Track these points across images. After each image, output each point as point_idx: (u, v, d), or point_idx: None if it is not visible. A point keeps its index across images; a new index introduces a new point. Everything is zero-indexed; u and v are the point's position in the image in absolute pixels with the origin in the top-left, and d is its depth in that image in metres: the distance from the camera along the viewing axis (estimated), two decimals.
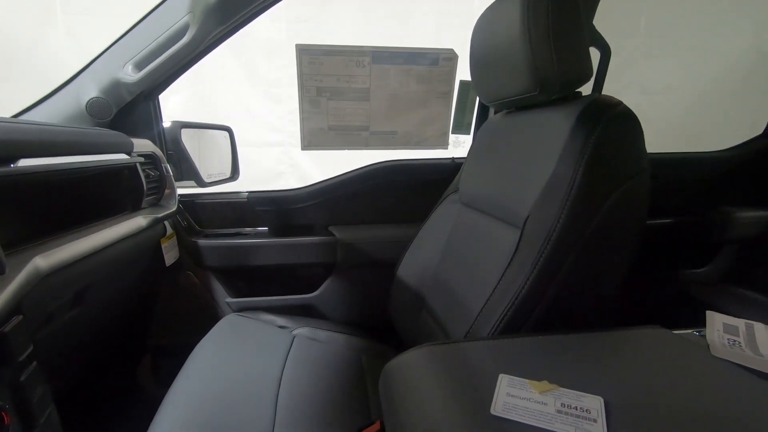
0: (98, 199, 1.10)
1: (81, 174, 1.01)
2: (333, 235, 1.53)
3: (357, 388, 1.10)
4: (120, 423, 1.30)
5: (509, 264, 0.85)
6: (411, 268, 1.32)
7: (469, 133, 1.61)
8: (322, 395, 1.02)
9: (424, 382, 0.59)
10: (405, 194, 1.58)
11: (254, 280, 1.55)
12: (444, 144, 1.61)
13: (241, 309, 1.45)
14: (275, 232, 1.54)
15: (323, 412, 0.96)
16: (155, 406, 0.92)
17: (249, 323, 1.31)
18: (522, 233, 0.86)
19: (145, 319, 1.46)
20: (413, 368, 0.64)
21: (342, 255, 1.52)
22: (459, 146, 1.66)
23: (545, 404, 0.50)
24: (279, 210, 1.55)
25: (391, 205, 1.59)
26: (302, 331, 1.32)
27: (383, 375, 0.68)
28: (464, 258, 1.10)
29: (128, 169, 1.18)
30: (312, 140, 1.53)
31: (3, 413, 0.55)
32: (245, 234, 1.53)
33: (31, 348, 0.65)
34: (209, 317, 1.44)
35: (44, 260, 0.76)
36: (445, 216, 1.28)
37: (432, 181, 1.51)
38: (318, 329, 1.34)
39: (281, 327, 1.33)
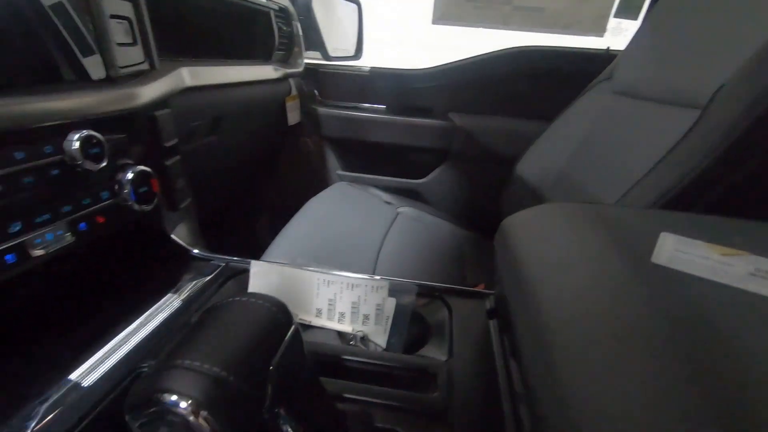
0: (236, 41, 1.13)
1: (225, 8, 1.03)
2: (452, 121, 1.43)
3: (455, 270, 1.07)
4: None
5: (676, 146, 0.69)
6: (532, 166, 1.19)
7: (637, 18, 1.31)
8: (418, 269, 1.01)
9: (559, 234, 0.51)
10: (539, 86, 1.39)
11: (366, 157, 1.55)
12: (600, 29, 1.34)
13: (350, 182, 1.47)
14: (393, 110, 1.49)
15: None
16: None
17: (357, 192, 1.33)
18: (705, 111, 0.68)
19: (265, 178, 1.57)
20: (544, 220, 0.56)
21: (458, 143, 1.43)
22: (619, 34, 1.38)
23: (731, 265, 0.39)
24: (399, 88, 1.48)
25: (520, 97, 1.41)
26: (407, 210, 1.30)
27: (503, 227, 0.61)
28: (607, 150, 0.94)
29: (263, 16, 1.19)
30: (445, 12, 1.38)
31: (153, 181, 0.60)
32: (363, 108, 1.51)
33: (175, 140, 0.70)
34: (321, 185, 1.49)
35: (188, 74, 0.80)
36: (587, 108, 1.10)
37: (575, 74, 1.29)
38: (423, 212, 1.31)
39: (387, 203, 1.33)
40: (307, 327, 0.62)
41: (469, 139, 1.42)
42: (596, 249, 0.45)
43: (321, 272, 0.63)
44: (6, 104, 0.43)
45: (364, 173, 1.52)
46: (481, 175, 1.45)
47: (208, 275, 0.66)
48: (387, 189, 1.45)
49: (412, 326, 0.64)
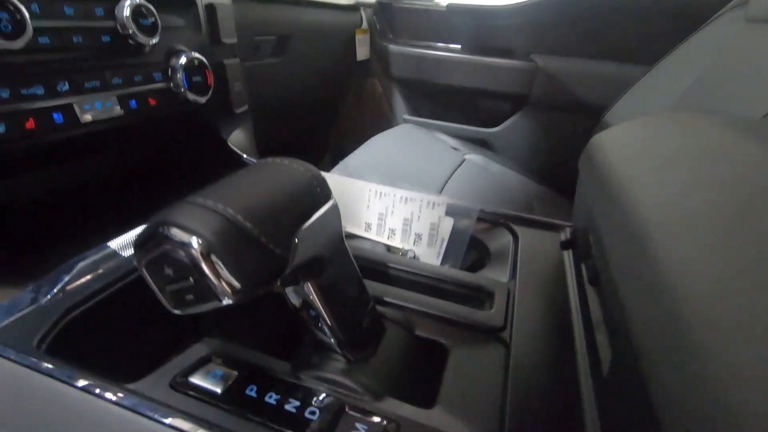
0: None
1: None
2: (534, 62, 1.28)
3: None
4: None
5: None
6: (626, 116, 1.03)
7: None
8: None
9: (659, 143, 0.41)
10: (641, 23, 1.19)
11: (435, 101, 1.45)
12: None
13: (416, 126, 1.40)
14: (469, 50, 1.37)
15: None
16: None
17: (422, 135, 1.25)
18: None
19: (328, 118, 1.54)
20: (640, 132, 0.45)
21: (539, 88, 1.28)
22: None
23: None
24: (477, 26, 1.35)
25: (616, 36, 1.22)
26: (474, 157, 1.20)
27: (592, 144, 0.51)
28: (737, 92, 0.77)
29: None
30: None
31: (207, 72, 0.58)
32: (437, 48, 1.40)
33: (234, 40, 0.67)
34: (385, 127, 1.43)
35: None
36: (707, 44, 0.91)
37: (691, 10, 1.08)
38: (491, 161, 1.21)
39: (453, 148, 1.24)
40: (354, 237, 0.57)
41: (552, 84, 1.27)
42: (705, 155, 0.35)
43: (374, 184, 0.58)
44: None
45: (432, 119, 1.42)
46: (563, 125, 1.30)
47: None
48: (455, 137, 1.36)
49: (469, 252, 0.57)
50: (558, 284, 0.45)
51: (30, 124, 0.40)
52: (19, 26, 0.37)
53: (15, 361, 0.29)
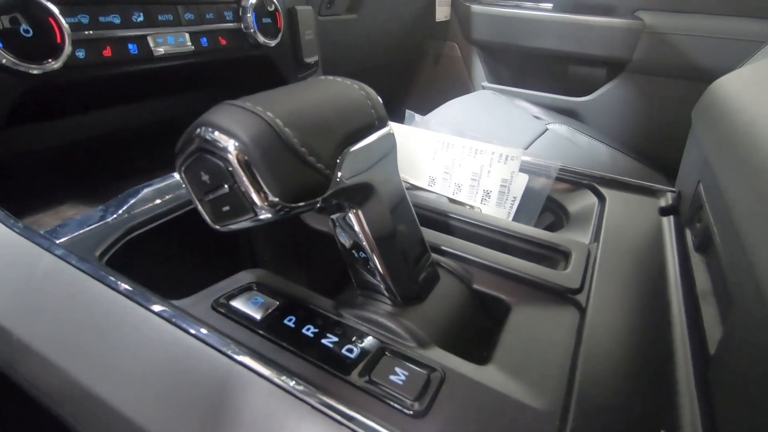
0: None
1: None
2: (640, 20, 1.12)
3: None
4: None
5: None
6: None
7: None
8: None
9: None
10: None
11: (519, 67, 1.34)
12: None
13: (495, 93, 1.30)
14: (562, 8, 1.23)
15: None
16: None
17: (501, 102, 1.16)
18: None
19: (401, 81, 1.49)
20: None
21: (643, 51, 1.12)
22: None
23: None
24: None
25: None
26: (559, 127, 1.09)
27: (710, 90, 0.42)
28: None
29: None
30: None
31: (278, 14, 0.57)
32: (525, 7, 1.28)
33: None
34: (463, 93, 1.36)
35: None
36: None
37: None
38: (578, 132, 1.09)
39: (535, 117, 1.13)
40: (417, 188, 0.54)
41: (660, 46, 1.10)
42: None
43: (441, 134, 0.54)
44: None
45: (513, 87, 1.32)
46: (667, 94, 1.13)
47: None
48: (538, 106, 1.24)
49: (543, 215, 0.51)
50: (651, 251, 0.37)
51: (107, 52, 0.42)
52: None
53: (76, 267, 0.30)
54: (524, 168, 0.50)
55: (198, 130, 0.23)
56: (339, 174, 0.25)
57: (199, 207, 0.25)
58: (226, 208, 0.24)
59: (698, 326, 0.27)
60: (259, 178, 0.22)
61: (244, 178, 0.22)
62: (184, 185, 0.25)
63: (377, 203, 0.28)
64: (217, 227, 0.25)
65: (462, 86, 1.40)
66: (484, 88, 1.35)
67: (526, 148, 0.95)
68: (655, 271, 0.35)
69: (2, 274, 0.31)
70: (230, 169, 0.22)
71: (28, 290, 0.30)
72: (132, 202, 0.39)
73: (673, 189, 0.48)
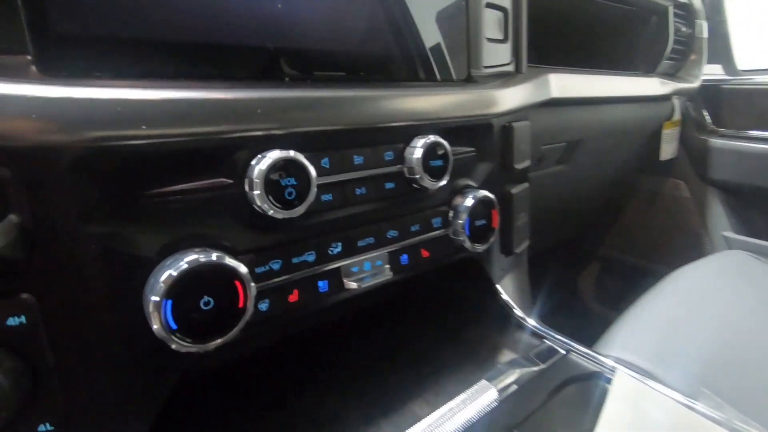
0: (614, 46, 0.89)
1: (607, 10, 0.81)
2: None
3: None
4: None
5: None
6: None
7: None
8: None
9: None
10: None
11: None
12: None
13: (749, 252, 0.95)
14: None
15: None
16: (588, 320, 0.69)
17: (762, 269, 0.82)
18: None
19: (605, 222, 1.25)
20: None
21: None
22: None
23: None
24: None
25: None
26: None
27: None
28: None
29: (656, 15, 0.89)
30: None
31: (494, 212, 0.44)
32: None
33: (528, 162, 0.53)
34: (688, 247, 1.04)
35: (557, 82, 0.62)
36: None
37: None
38: None
39: None
40: None
41: None
42: None
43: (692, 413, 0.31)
44: (361, 97, 0.35)
45: None
46: None
47: (536, 362, 0.44)
48: None
49: None
50: None
51: (294, 296, 0.33)
52: (303, 191, 0.30)
53: None
54: None
55: None
56: None
57: None
58: None
59: None
60: None
61: None
62: None
63: None
64: None
65: (689, 233, 1.08)
66: (727, 240, 1.01)
67: None
68: None
69: None
70: None
71: None
72: None
73: None
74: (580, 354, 0.46)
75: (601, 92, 0.75)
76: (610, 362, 0.43)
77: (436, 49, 0.43)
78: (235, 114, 0.29)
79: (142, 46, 0.27)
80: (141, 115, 0.25)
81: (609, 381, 0.42)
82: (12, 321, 0.23)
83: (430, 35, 0.42)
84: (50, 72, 0.24)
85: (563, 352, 0.46)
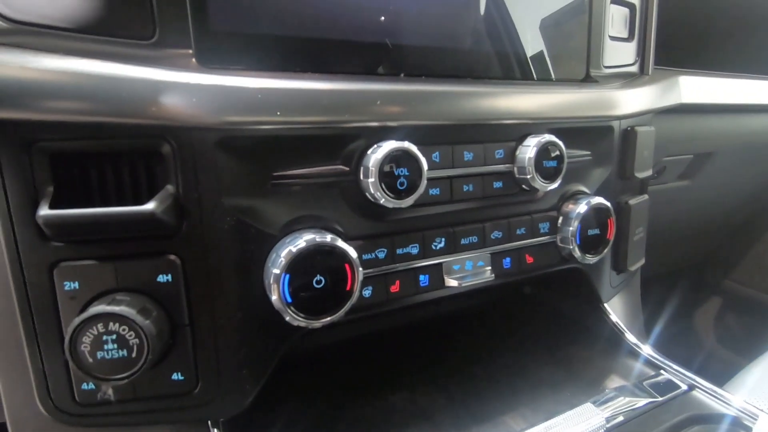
0: (759, 48, 0.77)
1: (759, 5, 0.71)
2: None
3: None
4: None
5: None
6: None
7: None
8: None
9: None
10: None
11: None
12: None
13: None
14: None
15: None
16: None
17: None
18: None
19: (729, 252, 1.08)
20: None
21: None
22: None
23: None
24: None
25: None
26: None
27: None
28: None
29: None
30: None
31: (609, 221, 0.40)
32: None
33: (650, 172, 0.48)
34: None
35: (688, 86, 0.55)
36: None
37: None
38: None
39: None
40: None
41: None
42: None
43: None
44: (475, 92, 0.35)
45: None
46: None
47: (652, 394, 0.39)
48: None
49: None
50: None
51: (395, 287, 0.34)
52: (414, 182, 0.31)
53: None
54: None
55: None
56: None
57: None
58: None
59: None
60: None
61: None
62: None
63: None
64: None
65: None
66: None
67: None
68: None
69: None
70: None
71: None
72: None
73: None
74: (706, 391, 0.40)
75: (741, 99, 0.66)
76: (748, 406, 0.37)
77: (553, 47, 0.41)
78: (356, 104, 0.30)
79: (280, 42, 0.30)
80: (276, 102, 0.28)
81: (745, 427, 0.36)
82: (161, 278, 0.26)
83: (546, 33, 0.41)
84: (207, 63, 0.27)
85: (685, 387, 0.40)
